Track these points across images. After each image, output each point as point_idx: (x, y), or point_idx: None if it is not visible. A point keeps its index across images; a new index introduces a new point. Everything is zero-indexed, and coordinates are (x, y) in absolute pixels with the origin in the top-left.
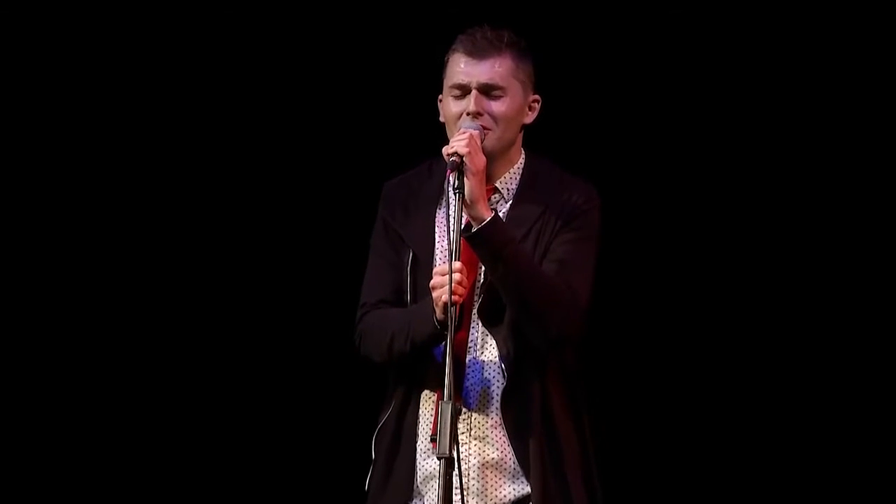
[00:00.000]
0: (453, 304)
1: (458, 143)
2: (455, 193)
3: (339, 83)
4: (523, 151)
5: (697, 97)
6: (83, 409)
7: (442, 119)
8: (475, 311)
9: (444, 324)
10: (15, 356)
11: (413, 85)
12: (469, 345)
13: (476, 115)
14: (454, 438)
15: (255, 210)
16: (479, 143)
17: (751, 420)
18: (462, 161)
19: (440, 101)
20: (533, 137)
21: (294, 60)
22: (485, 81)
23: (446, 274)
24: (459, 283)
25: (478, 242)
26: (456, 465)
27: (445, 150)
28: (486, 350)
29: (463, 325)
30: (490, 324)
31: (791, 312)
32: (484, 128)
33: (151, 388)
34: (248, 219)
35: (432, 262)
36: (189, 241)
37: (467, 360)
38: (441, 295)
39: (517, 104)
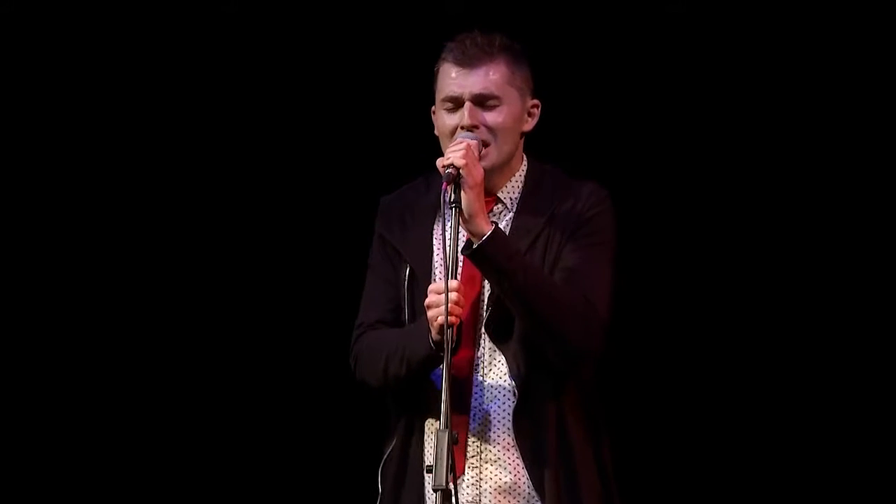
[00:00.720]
0: (449, 325)
1: (453, 153)
2: (452, 208)
3: (337, 95)
4: (525, 158)
5: (706, 92)
6: (80, 411)
7: (437, 132)
8: (482, 326)
9: (440, 345)
10: (15, 356)
11: (412, 93)
12: (476, 363)
13: (472, 127)
14: (451, 469)
15: (255, 229)
16: (476, 153)
17: (779, 438)
18: (458, 173)
19: (433, 112)
20: (535, 144)
21: (290, 72)
22: (478, 92)
23: (442, 292)
24: (456, 303)
25: (479, 259)
26: (453, 499)
27: (440, 161)
28: (495, 367)
29: (464, 343)
30: (499, 339)
31: (819, 327)
32: (481, 141)
33: (152, 403)
34: (247, 238)
35: (430, 277)
36: (188, 260)
37: (474, 378)
38: (436, 315)
39: (515, 113)
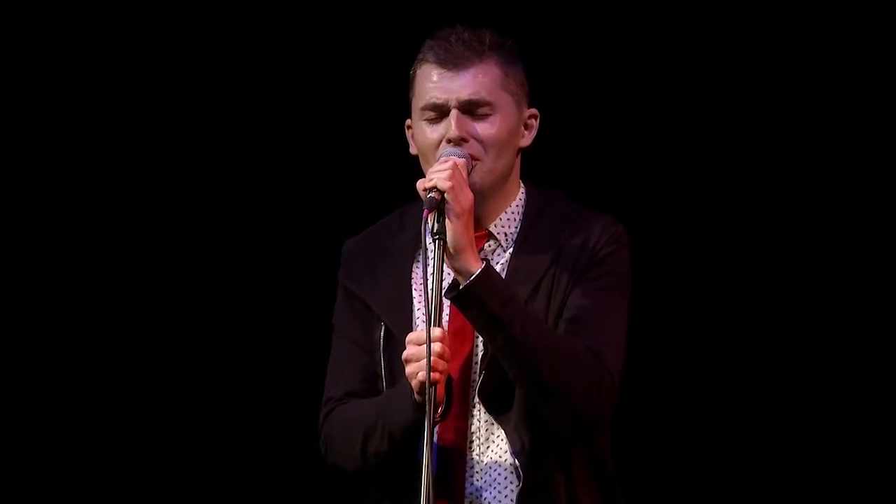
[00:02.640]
0: (433, 383)
1: (438, 174)
2: (435, 240)
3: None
4: (523, 183)
5: (719, 99)
6: (75, 412)
7: (413, 151)
8: (475, 393)
9: (424, 407)
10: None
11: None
12: (471, 438)
13: (460, 141)
14: None
15: (255, 229)
16: (465, 174)
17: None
18: (443, 198)
19: (408, 127)
20: (532, 164)
21: (280, 72)
22: (467, 98)
23: (422, 343)
24: (441, 355)
25: (467, 304)
26: None
27: (421, 184)
28: (493, 443)
29: (455, 413)
30: (496, 410)
31: (822, 354)
32: (471, 157)
33: (143, 410)
34: (247, 240)
35: None
36: (185, 261)
37: (470, 457)
38: (416, 371)
39: (510, 123)
